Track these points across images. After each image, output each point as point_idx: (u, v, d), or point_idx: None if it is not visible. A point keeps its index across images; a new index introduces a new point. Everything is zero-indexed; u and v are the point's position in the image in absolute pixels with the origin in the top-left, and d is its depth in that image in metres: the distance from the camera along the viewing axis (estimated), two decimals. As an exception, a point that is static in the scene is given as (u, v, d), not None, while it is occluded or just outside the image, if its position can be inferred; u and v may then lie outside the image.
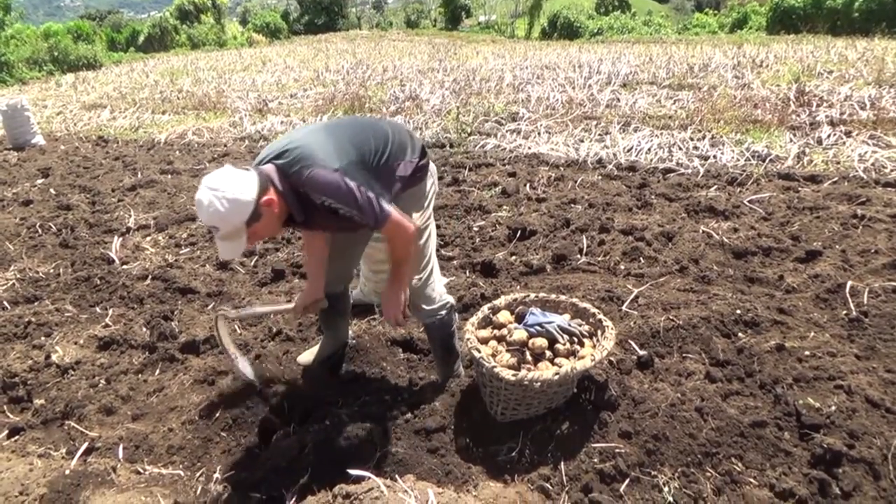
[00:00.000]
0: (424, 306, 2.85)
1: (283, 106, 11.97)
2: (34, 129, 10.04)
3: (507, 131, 8.58)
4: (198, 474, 2.70)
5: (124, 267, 4.86)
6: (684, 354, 3.15)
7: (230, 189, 2.08)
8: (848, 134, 7.18)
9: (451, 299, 2.97)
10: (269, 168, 2.27)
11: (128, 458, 2.82)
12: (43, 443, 2.99)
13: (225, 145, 9.36)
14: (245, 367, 2.93)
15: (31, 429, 3.09)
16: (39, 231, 5.74)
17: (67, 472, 2.63)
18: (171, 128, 10.76)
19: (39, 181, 7.61)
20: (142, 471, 2.72)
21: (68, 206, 6.47)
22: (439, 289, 2.94)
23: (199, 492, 2.58)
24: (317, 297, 2.90)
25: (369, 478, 2.30)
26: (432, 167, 2.82)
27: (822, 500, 2.25)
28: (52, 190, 7.13)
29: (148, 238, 5.53)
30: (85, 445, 2.86)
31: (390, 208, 2.32)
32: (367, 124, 2.54)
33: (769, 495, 2.31)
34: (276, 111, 11.42)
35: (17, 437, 3.05)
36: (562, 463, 2.57)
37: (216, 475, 2.62)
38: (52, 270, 4.86)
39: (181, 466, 2.77)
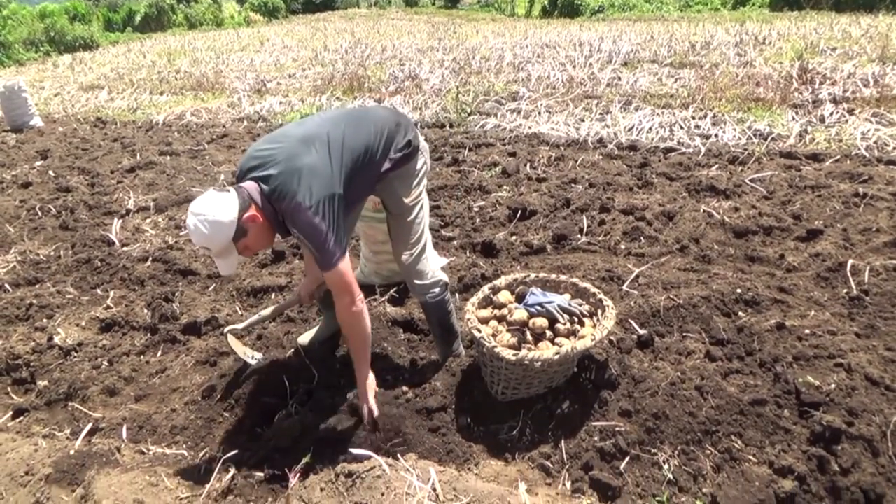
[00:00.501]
0: (417, 282, 2.87)
1: (281, 86, 11.88)
2: (32, 110, 9.98)
3: (507, 111, 8.52)
4: (201, 454, 2.72)
5: (124, 249, 4.86)
6: (684, 333, 3.16)
7: (211, 212, 2.22)
8: (851, 112, 7.13)
9: (445, 277, 2.97)
10: (251, 186, 2.35)
11: (132, 439, 2.84)
12: (47, 423, 3.01)
13: (224, 126, 9.31)
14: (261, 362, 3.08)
15: (35, 410, 3.12)
16: (39, 213, 5.73)
17: (72, 452, 2.65)
18: (169, 109, 10.69)
19: (38, 163, 7.58)
20: (146, 451, 2.74)
21: (67, 188, 6.45)
22: (433, 266, 2.94)
23: (202, 471, 2.60)
24: (317, 282, 3.00)
25: (371, 457, 2.32)
26: (423, 144, 2.84)
27: (820, 477, 2.27)
28: (51, 172, 7.11)
29: (148, 220, 5.52)
30: (89, 426, 2.88)
31: (342, 262, 2.38)
32: (352, 126, 2.55)
33: (768, 472, 2.33)
34: (275, 92, 11.33)
35: (21, 418, 3.07)
36: (562, 441, 2.59)
37: (220, 455, 2.64)
38: (52, 253, 4.86)
39: (185, 446, 2.79)
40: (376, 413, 2.58)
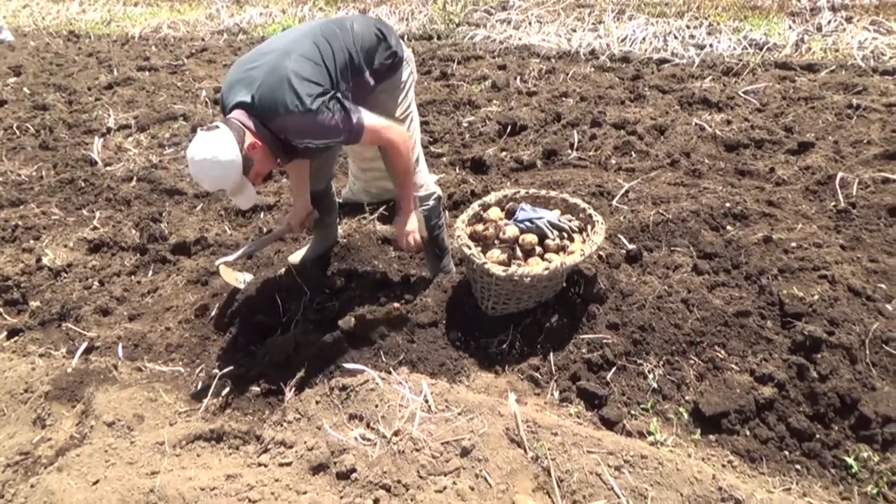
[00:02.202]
0: None
1: (261, -4, 11.38)
2: (1, 23, 9.53)
3: (496, 21, 8.23)
4: (198, 370, 2.78)
5: (108, 168, 4.77)
6: (672, 248, 3.18)
7: (211, 154, 2.15)
8: (849, 20, 6.94)
9: (437, 190, 2.95)
10: (240, 115, 2.26)
11: (128, 357, 2.89)
12: (42, 343, 3.05)
13: (203, 39, 8.97)
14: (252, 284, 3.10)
15: (29, 330, 3.14)
16: (17, 132, 5.58)
17: (70, 370, 2.70)
18: (144, 21, 10.25)
19: (12, 80, 7.31)
20: (143, 368, 2.79)
21: (44, 105, 6.26)
22: (426, 178, 2.92)
23: (199, 387, 2.66)
24: (307, 210, 2.96)
25: (364, 371, 2.38)
26: (408, 54, 2.75)
27: (799, 384, 2.35)
28: (25, 89, 6.87)
29: (130, 138, 5.40)
30: (84, 345, 2.92)
31: (366, 122, 2.35)
32: (332, 35, 2.43)
33: (749, 380, 2.41)
34: (255, 2, 10.84)
35: (16, 339, 3.11)
36: (551, 354, 2.65)
37: (216, 371, 2.69)
38: (34, 173, 4.77)
39: (181, 363, 2.84)
40: (414, 246, 2.77)
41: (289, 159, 2.48)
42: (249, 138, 2.23)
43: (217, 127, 2.20)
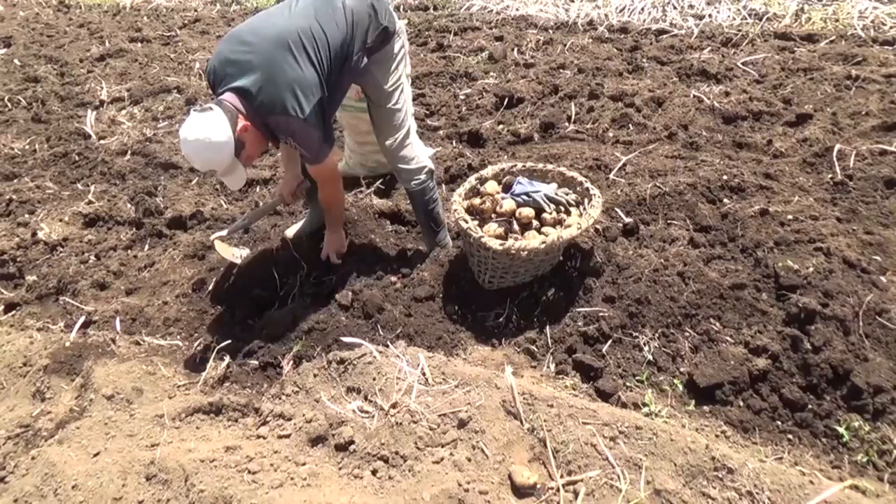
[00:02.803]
0: (401, 167, 2.86)
1: (254, -35, 11.16)
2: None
3: (493, -9, 8.10)
4: (196, 344, 2.79)
5: (102, 142, 4.73)
6: (669, 221, 3.18)
7: (204, 135, 2.20)
8: (849, -11, 6.85)
9: (430, 164, 2.94)
10: (232, 98, 2.31)
11: (126, 331, 2.90)
12: (40, 317, 3.05)
13: (195, 10, 8.83)
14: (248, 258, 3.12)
15: (26, 304, 3.15)
16: (9, 105, 5.52)
17: (68, 343, 2.71)
18: (135, -9, 10.07)
19: (1, 51, 7.20)
20: (141, 342, 2.80)
21: (36, 77, 6.18)
22: (418, 151, 2.92)
23: (198, 360, 2.68)
24: (297, 181, 3.04)
25: (362, 344, 2.39)
26: (400, 25, 2.76)
27: (793, 355, 2.37)
28: (16, 61, 6.77)
29: (123, 111, 5.35)
30: (82, 319, 2.92)
31: (327, 157, 2.56)
32: (326, 17, 2.44)
33: (743, 351, 2.43)
34: (248, -29, 10.65)
35: (13, 313, 3.11)
36: (547, 327, 2.67)
37: (214, 345, 2.70)
38: (27, 147, 4.73)
39: (179, 337, 2.85)
40: (335, 261, 3.04)
41: (277, 143, 2.61)
42: (242, 121, 2.29)
43: (211, 108, 2.24)
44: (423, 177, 2.89)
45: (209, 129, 2.20)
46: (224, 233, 2.98)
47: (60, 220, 3.76)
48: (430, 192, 2.95)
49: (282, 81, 2.28)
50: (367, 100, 2.80)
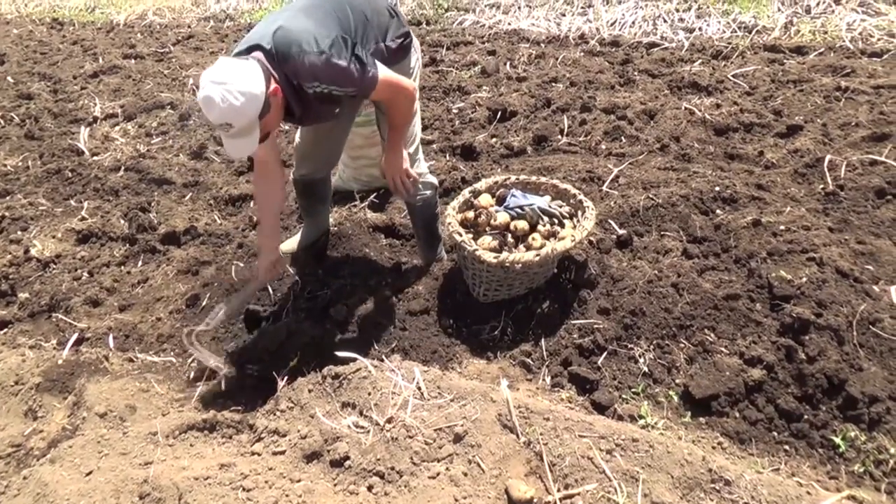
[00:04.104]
0: None
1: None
2: (-18, 12, 9.40)
3: (485, 6, 8.16)
4: (189, 360, 2.77)
5: (95, 158, 4.73)
6: (663, 232, 3.19)
7: (239, 82, 1.98)
8: (837, 1, 6.93)
9: (435, 180, 2.95)
10: (260, 56, 2.14)
11: (119, 347, 2.88)
12: (32, 335, 3.03)
13: (189, 26, 8.87)
14: (218, 362, 2.68)
15: (18, 322, 3.13)
16: (2, 122, 5.52)
17: (60, 361, 2.69)
18: (129, 8, 10.12)
19: (-5, 69, 7.22)
20: (134, 359, 2.79)
21: (29, 94, 6.19)
22: (424, 168, 2.91)
23: (192, 377, 2.66)
24: (274, 256, 2.72)
25: (357, 359, 2.38)
26: (416, 42, 2.71)
27: (788, 366, 2.38)
28: (9, 78, 6.78)
29: (117, 128, 5.35)
30: (75, 336, 2.91)
31: (380, 71, 2.26)
32: (343, 4, 2.38)
33: (738, 362, 2.43)
34: (241, -12, 10.72)
35: (5, 330, 3.09)
36: (542, 339, 2.66)
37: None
38: (20, 163, 4.72)
39: (172, 354, 2.84)
40: (407, 187, 2.62)
41: (302, 113, 2.35)
42: (273, 83, 2.13)
43: (247, 58, 2.09)
44: (428, 192, 2.88)
45: (244, 77, 2.00)
46: (202, 327, 2.69)
47: (53, 237, 3.74)
48: (432, 207, 2.95)
49: (297, 27, 2.15)
50: (380, 113, 2.71)
